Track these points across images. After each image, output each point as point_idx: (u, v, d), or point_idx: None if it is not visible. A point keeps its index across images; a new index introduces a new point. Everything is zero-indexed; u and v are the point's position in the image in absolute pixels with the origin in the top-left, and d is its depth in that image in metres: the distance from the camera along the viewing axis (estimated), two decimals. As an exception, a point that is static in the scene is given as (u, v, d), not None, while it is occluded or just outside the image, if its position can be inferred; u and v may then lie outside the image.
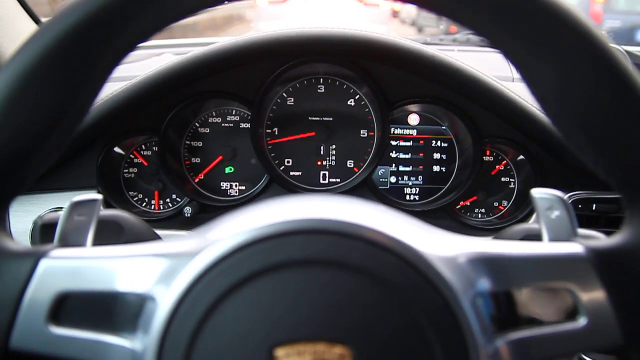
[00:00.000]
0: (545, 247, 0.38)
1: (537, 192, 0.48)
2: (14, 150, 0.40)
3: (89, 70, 0.43)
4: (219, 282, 0.31)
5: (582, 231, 0.48)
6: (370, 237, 0.32)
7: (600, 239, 0.42)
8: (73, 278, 0.35)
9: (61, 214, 0.42)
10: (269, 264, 0.32)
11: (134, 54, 1.15)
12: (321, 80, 0.94)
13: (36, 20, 1.05)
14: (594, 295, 0.35)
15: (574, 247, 0.37)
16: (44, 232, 0.63)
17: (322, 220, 0.33)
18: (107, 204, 0.90)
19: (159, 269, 0.33)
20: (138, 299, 0.34)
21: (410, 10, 16.52)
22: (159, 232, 0.87)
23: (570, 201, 0.88)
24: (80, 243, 0.39)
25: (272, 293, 0.31)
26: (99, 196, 0.42)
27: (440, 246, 0.34)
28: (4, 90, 0.39)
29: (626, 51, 1.36)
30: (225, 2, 0.47)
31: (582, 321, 0.34)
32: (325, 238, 0.32)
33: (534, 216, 0.89)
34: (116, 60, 0.46)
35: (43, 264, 0.35)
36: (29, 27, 1.03)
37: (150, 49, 1.21)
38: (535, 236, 0.52)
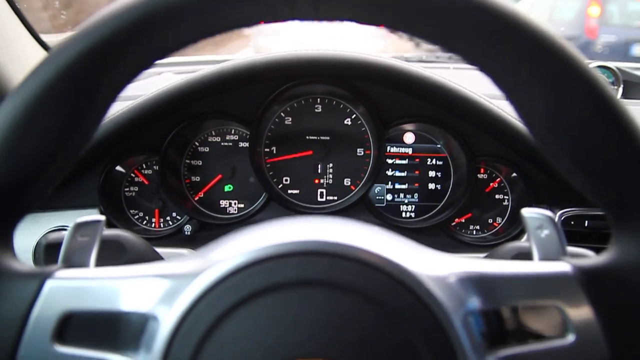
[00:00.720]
0: (534, 267, 0.39)
1: (527, 212, 0.50)
2: (19, 175, 0.41)
3: (93, 98, 0.45)
4: (219, 302, 0.33)
5: (571, 249, 0.50)
6: (364, 258, 0.34)
7: (588, 257, 0.44)
8: (78, 298, 0.36)
9: (65, 235, 0.44)
10: (267, 284, 0.33)
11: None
12: (318, 100, 0.96)
13: (42, 43, 1.08)
14: (582, 313, 0.36)
15: (562, 266, 0.38)
16: (48, 252, 0.65)
17: (318, 242, 0.35)
18: (109, 222, 0.92)
19: (161, 289, 0.35)
20: (141, 318, 0.35)
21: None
22: (159, 250, 0.88)
23: (562, 218, 0.89)
24: (84, 263, 0.41)
25: (271, 313, 0.33)
26: (102, 217, 0.43)
27: (431, 266, 0.36)
28: (9, 119, 0.41)
29: (618, 68, 1.38)
30: (222, 32, 0.48)
31: (570, 338, 0.36)
32: (321, 259, 0.34)
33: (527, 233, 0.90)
34: (119, 87, 0.48)
35: (48, 285, 0.36)
36: (35, 51, 1.06)
37: (150, 68, 1.23)
38: (526, 254, 0.53)
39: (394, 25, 0.47)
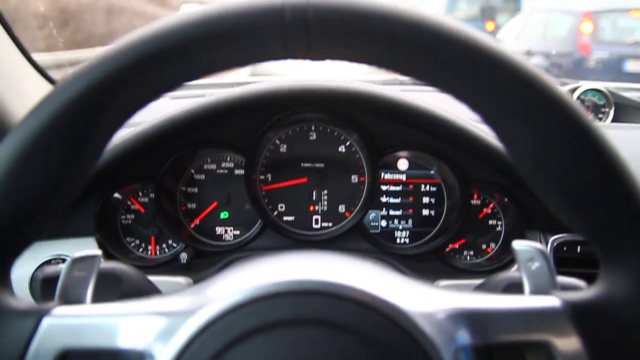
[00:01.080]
0: (524, 301, 0.40)
1: (518, 244, 0.51)
2: (17, 213, 0.42)
3: (91, 137, 0.46)
4: (215, 340, 0.34)
5: (563, 280, 0.51)
6: (357, 297, 0.35)
7: (579, 290, 0.45)
8: (74, 335, 0.37)
9: (62, 270, 0.45)
10: (261, 323, 0.34)
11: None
12: (313, 127, 0.97)
13: (45, 75, 1.09)
14: (572, 348, 0.37)
15: (551, 301, 0.39)
16: (45, 286, 0.65)
17: (310, 282, 0.36)
18: (105, 250, 0.92)
19: (157, 327, 0.36)
20: (138, 356, 0.35)
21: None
22: (156, 278, 0.89)
23: (555, 244, 0.90)
24: (81, 299, 0.41)
25: (266, 351, 0.34)
26: (99, 252, 0.44)
27: (422, 302, 0.37)
28: (8, 159, 0.41)
29: (609, 91, 1.40)
30: (216, 72, 0.50)
31: None
32: (313, 299, 0.35)
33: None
34: (114, 127, 0.49)
35: (46, 322, 0.37)
36: (38, 84, 1.07)
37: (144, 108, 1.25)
38: (518, 285, 0.54)
39: (387, 66, 0.48)
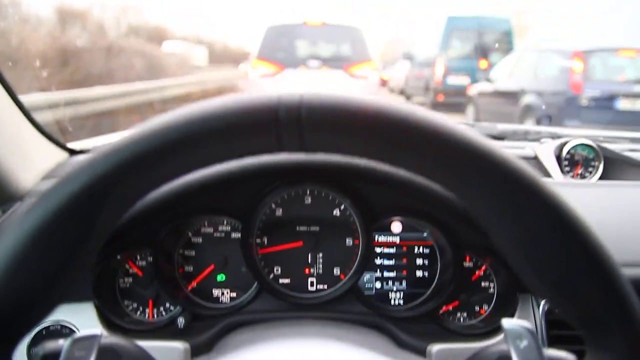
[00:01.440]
0: None
1: (507, 323, 0.53)
2: (16, 305, 0.44)
3: (88, 233, 0.48)
4: None
5: (551, 354, 0.53)
6: None
7: None
8: None
9: (62, 349, 0.46)
10: None
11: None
12: (308, 191, 1.00)
13: (52, 139, 1.12)
14: None
15: None
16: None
17: None
18: (102, 315, 0.93)
19: None
20: None
21: (399, 79, 17.07)
22: (153, 343, 0.90)
23: (547, 307, 0.92)
24: None
25: None
26: (99, 332, 0.46)
27: None
28: (4, 255, 0.44)
29: (599, 145, 1.43)
30: (217, 163, 0.52)
31: None
32: None
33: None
34: (112, 222, 0.52)
35: None
36: (46, 150, 1.10)
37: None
38: (508, 358, 0.55)
39: (381, 160, 0.51)
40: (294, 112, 0.46)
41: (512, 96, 7.45)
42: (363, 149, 0.49)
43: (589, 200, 1.10)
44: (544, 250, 0.45)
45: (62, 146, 1.28)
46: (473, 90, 9.01)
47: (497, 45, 12.20)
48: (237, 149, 0.49)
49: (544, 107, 6.80)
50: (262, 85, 7.06)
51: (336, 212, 1.00)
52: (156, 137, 0.47)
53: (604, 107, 6.56)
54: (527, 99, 7.09)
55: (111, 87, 8.06)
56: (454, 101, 10.86)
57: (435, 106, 12.21)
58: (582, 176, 1.43)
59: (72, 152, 1.31)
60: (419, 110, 0.48)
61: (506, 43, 12.27)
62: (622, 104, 6.52)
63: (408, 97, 15.92)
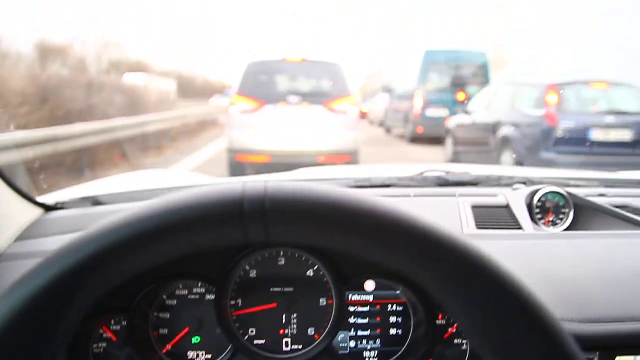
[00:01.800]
0: None
1: None
2: None
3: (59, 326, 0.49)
4: None
5: None
6: None
7: None
8: None
9: None
10: None
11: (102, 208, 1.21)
12: (282, 253, 1.01)
13: (27, 197, 1.13)
14: None
15: None
16: None
17: None
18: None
19: None
20: None
21: (379, 111, 17.31)
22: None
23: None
24: None
25: None
26: None
27: None
28: None
29: (569, 193, 1.46)
30: (184, 253, 0.53)
31: None
32: None
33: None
34: (78, 318, 0.52)
35: None
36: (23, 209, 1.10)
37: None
38: None
39: (342, 248, 0.53)
40: (258, 204, 0.48)
41: (489, 128, 7.57)
42: (328, 239, 0.51)
43: (558, 252, 1.12)
44: (508, 338, 0.47)
45: (36, 202, 1.28)
46: (451, 122, 9.14)
47: (473, 78, 12.46)
48: (202, 242, 0.51)
49: (521, 139, 6.91)
50: (242, 121, 7.04)
51: (310, 272, 1.01)
52: (119, 233, 0.49)
53: (578, 138, 6.70)
54: (504, 131, 7.21)
55: (91, 123, 8.03)
56: (433, 133, 11.00)
57: (415, 138, 12.38)
58: (554, 223, 1.46)
59: (47, 208, 1.31)
60: (380, 202, 0.50)
61: (483, 76, 12.54)
62: (596, 135, 6.66)
63: (388, 130, 16.11)
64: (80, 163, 7.63)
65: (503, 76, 13.25)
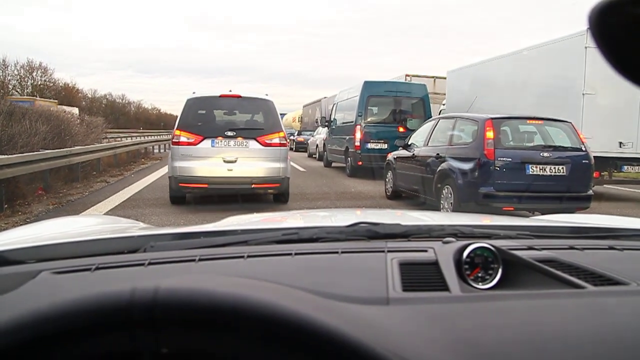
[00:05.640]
0: None
1: None
2: None
3: None
4: None
5: None
6: None
7: None
8: None
9: None
10: None
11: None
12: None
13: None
14: None
15: None
16: None
17: None
18: None
19: None
20: None
21: (318, 144, 17.36)
22: None
23: None
24: None
25: None
26: None
27: None
28: None
29: (497, 249, 1.29)
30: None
31: None
32: None
33: None
34: None
35: None
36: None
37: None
38: None
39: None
40: (147, 312, 0.49)
41: (429, 162, 7.61)
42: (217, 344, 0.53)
43: (484, 316, 1.04)
44: None
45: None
46: (391, 156, 9.16)
47: (413, 111, 12.61)
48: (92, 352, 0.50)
49: (459, 174, 6.96)
50: (183, 152, 7.45)
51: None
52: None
53: (516, 172, 6.82)
54: (444, 166, 7.23)
55: (12, 156, 7.58)
56: (374, 166, 11.02)
57: (355, 171, 12.39)
58: (483, 279, 1.32)
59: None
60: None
61: (423, 109, 12.72)
62: (532, 169, 6.79)
63: (328, 164, 16.03)
64: (-3, 196, 7.08)
65: (441, 110, 13.54)
